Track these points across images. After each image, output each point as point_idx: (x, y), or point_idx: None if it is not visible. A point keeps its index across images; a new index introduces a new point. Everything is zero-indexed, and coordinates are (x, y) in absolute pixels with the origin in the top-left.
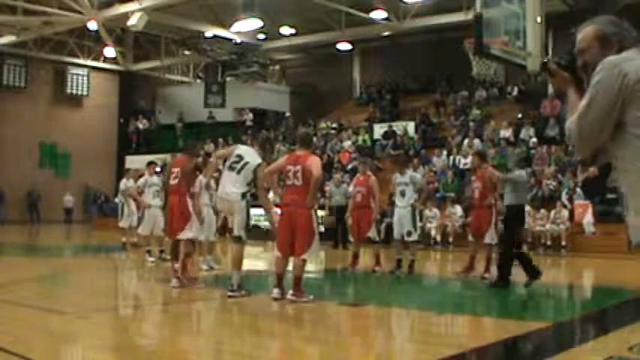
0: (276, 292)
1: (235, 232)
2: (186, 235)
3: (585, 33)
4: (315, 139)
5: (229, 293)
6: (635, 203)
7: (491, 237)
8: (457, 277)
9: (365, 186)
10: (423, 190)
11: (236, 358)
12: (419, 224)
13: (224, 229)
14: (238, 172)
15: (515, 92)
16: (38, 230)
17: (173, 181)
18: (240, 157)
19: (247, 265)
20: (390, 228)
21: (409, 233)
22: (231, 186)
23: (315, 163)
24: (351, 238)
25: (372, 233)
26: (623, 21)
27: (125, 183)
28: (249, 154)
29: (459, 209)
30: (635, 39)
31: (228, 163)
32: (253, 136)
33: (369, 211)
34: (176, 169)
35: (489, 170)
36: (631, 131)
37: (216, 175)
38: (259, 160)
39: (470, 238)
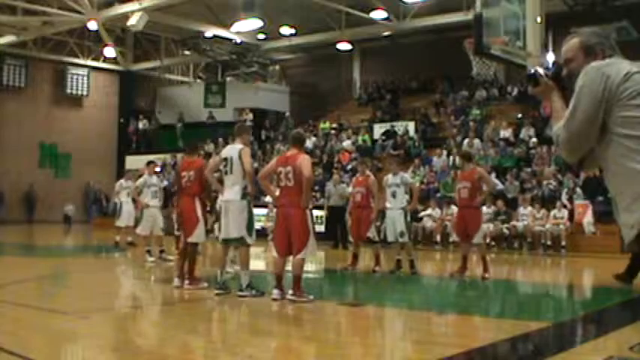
0: (275, 292)
1: (235, 234)
2: (194, 238)
3: (571, 44)
4: (315, 139)
5: (239, 293)
6: (625, 203)
7: (479, 237)
8: (453, 278)
9: (364, 186)
10: (414, 191)
11: (236, 358)
12: (411, 225)
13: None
14: (231, 172)
15: (515, 92)
16: (37, 230)
17: (186, 184)
18: (225, 159)
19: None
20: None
21: (402, 234)
22: (229, 188)
23: (305, 163)
24: (351, 238)
25: (371, 233)
26: (607, 32)
27: (122, 184)
28: (232, 149)
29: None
30: (616, 48)
31: (222, 171)
32: (254, 136)
33: (368, 211)
34: (190, 172)
35: (479, 170)
36: (615, 131)
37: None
38: (239, 146)
39: (454, 238)
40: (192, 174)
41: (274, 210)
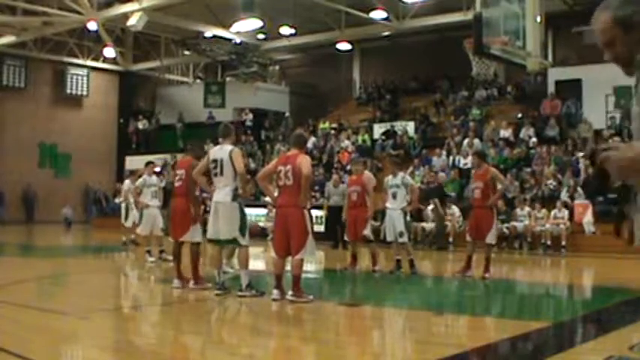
0: (275, 293)
1: (226, 236)
2: (188, 238)
3: (603, 23)
4: (314, 139)
5: (239, 293)
6: None
7: (492, 237)
8: (454, 277)
9: (359, 184)
10: (414, 193)
11: (236, 358)
12: (410, 225)
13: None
14: (221, 174)
15: (514, 92)
16: (37, 231)
17: (177, 183)
18: (215, 160)
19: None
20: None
21: (401, 234)
22: (219, 190)
23: (304, 162)
24: (347, 238)
25: (367, 231)
26: None
27: (129, 184)
28: (220, 150)
29: (456, 210)
30: None
31: (212, 172)
32: (254, 137)
33: (364, 210)
34: (180, 171)
35: (492, 170)
36: None
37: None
38: (229, 147)
39: (467, 238)
40: (183, 173)
41: (273, 210)
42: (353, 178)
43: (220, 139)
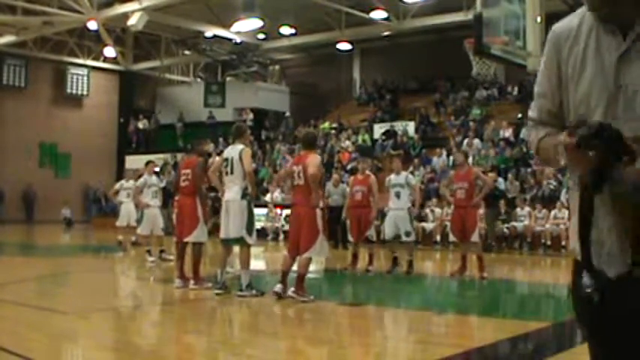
0: (278, 287)
1: (235, 234)
2: (194, 238)
3: None
4: None
5: (238, 293)
6: None
7: (477, 236)
8: (452, 278)
9: (365, 185)
10: (416, 193)
11: (236, 358)
12: (415, 224)
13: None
14: (231, 172)
15: (515, 92)
16: (37, 230)
17: (184, 183)
18: (226, 159)
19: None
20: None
21: (407, 234)
22: (229, 188)
23: (312, 162)
24: (350, 238)
25: (370, 232)
26: None
27: (122, 184)
28: (232, 150)
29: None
30: None
31: (223, 171)
32: (254, 136)
33: (368, 211)
34: (186, 171)
35: (474, 171)
36: None
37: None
38: (240, 147)
39: (452, 238)
40: (189, 172)
41: (274, 210)
42: (359, 178)
43: (232, 139)
